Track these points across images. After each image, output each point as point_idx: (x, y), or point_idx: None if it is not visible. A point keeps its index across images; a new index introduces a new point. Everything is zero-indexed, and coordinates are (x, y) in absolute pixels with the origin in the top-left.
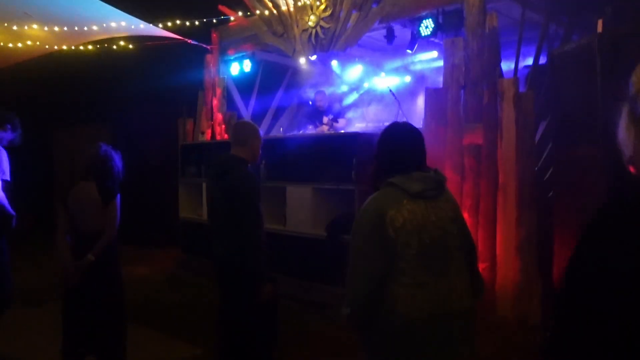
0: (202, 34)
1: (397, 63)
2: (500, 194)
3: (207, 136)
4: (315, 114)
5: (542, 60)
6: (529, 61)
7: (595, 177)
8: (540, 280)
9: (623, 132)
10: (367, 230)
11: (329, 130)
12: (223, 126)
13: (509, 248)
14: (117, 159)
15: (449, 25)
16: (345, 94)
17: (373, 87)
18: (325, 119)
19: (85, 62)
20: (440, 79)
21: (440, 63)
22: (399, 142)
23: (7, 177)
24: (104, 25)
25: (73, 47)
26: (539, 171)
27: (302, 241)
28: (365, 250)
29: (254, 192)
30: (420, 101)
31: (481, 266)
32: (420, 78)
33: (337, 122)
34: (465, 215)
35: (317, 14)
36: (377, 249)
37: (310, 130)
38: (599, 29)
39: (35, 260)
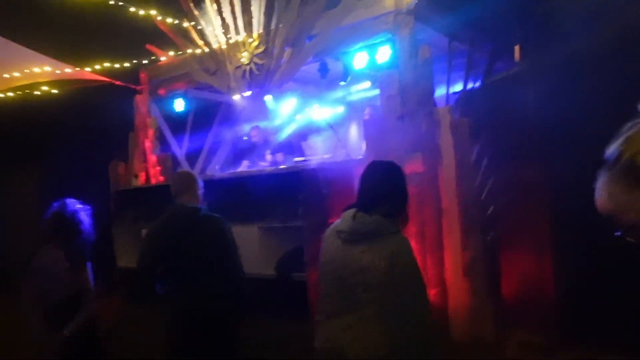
0: (131, 74)
1: (330, 95)
2: (444, 219)
3: (141, 179)
4: (252, 149)
5: (469, 85)
6: (458, 87)
7: (535, 196)
8: (490, 299)
9: (621, 196)
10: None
11: (269, 165)
12: (158, 168)
13: (457, 271)
14: (86, 217)
15: (382, 58)
16: (281, 128)
17: (308, 119)
18: (268, 156)
19: (5, 108)
20: (369, 109)
21: (374, 92)
22: (362, 179)
23: None
24: (26, 70)
25: None
26: (477, 192)
27: (252, 282)
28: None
29: (231, 232)
30: (354, 130)
31: (432, 292)
32: (354, 108)
33: (275, 156)
34: (413, 243)
35: (250, 50)
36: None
37: (246, 166)
38: (516, 55)
39: None
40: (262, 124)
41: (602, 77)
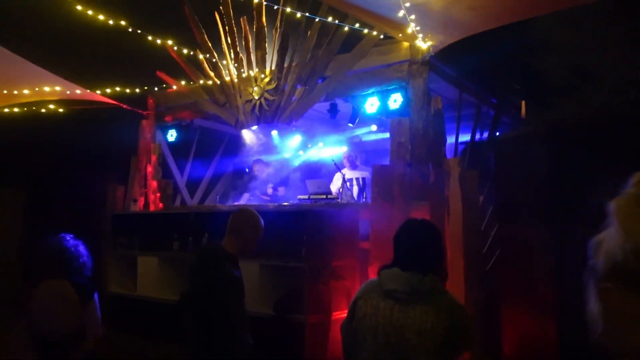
0: (139, 99)
1: (336, 135)
2: (448, 270)
3: (140, 204)
4: (253, 182)
5: (477, 137)
6: (465, 137)
7: (540, 256)
8: (488, 355)
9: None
10: (349, 308)
11: (270, 200)
12: (158, 194)
13: None
14: (84, 250)
15: (394, 105)
16: (284, 163)
17: (311, 157)
18: (269, 189)
19: (4, 123)
20: (383, 150)
21: (380, 136)
22: (401, 238)
23: None
24: (36, 89)
25: None
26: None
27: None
28: (344, 323)
29: (239, 296)
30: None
31: None
32: (359, 150)
33: (277, 191)
34: None
35: (262, 85)
36: (349, 326)
37: (247, 199)
38: (522, 110)
39: None
40: (265, 158)
41: (605, 141)
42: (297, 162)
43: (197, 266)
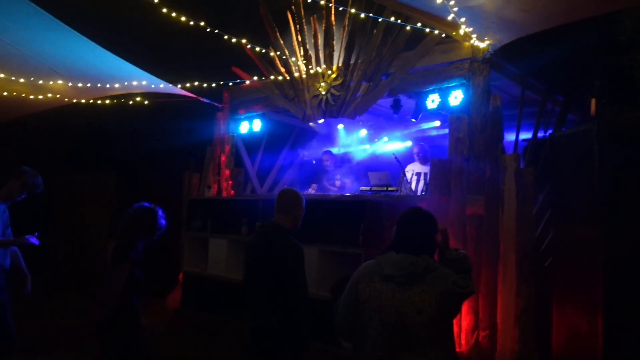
0: (215, 92)
1: (400, 129)
2: (500, 264)
3: (214, 191)
4: (321, 173)
5: (540, 134)
6: (527, 135)
7: (592, 256)
8: (538, 350)
9: None
10: (348, 287)
11: (337, 190)
12: (230, 182)
13: (508, 318)
14: (148, 218)
15: (454, 101)
16: (351, 156)
17: (376, 150)
18: (337, 181)
19: (98, 114)
20: (443, 145)
21: (442, 131)
22: (402, 223)
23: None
24: (126, 83)
25: (91, 101)
26: (536, 243)
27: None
28: (344, 300)
29: (302, 261)
30: (417, 166)
31: (482, 334)
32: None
33: (344, 182)
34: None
35: (328, 81)
36: (349, 304)
37: (315, 189)
38: (592, 108)
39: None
40: (334, 150)
41: None
42: (363, 155)
43: (260, 242)
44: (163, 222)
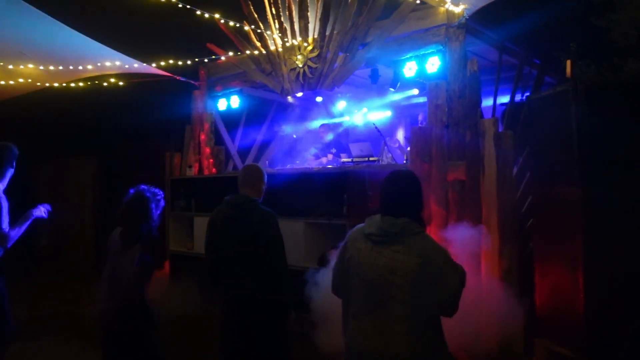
0: (191, 70)
1: (379, 99)
2: (483, 226)
3: (195, 170)
4: (316, 145)
5: (517, 98)
6: (505, 99)
7: (572, 215)
8: (523, 308)
9: None
10: (340, 248)
11: (327, 162)
12: (211, 160)
13: (492, 278)
14: (149, 200)
15: (432, 68)
16: (347, 128)
17: (355, 122)
18: (329, 156)
19: (73, 97)
20: (421, 115)
21: (421, 100)
22: (385, 186)
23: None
24: (99, 64)
25: (64, 84)
26: (517, 203)
27: (294, 273)
28: (336, 260)
29: (279, 229)
30: (400, 135)
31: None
32: (400, 113)
33: (339, 156)
34: (451, 248)
35: (305, 54)
36: (338, 263)
37: (312, 159)
38: (568, 70)
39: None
40: (329, 123)
41: None
42: (344, 127)
43: (234, 213)
44: (162, 202)
